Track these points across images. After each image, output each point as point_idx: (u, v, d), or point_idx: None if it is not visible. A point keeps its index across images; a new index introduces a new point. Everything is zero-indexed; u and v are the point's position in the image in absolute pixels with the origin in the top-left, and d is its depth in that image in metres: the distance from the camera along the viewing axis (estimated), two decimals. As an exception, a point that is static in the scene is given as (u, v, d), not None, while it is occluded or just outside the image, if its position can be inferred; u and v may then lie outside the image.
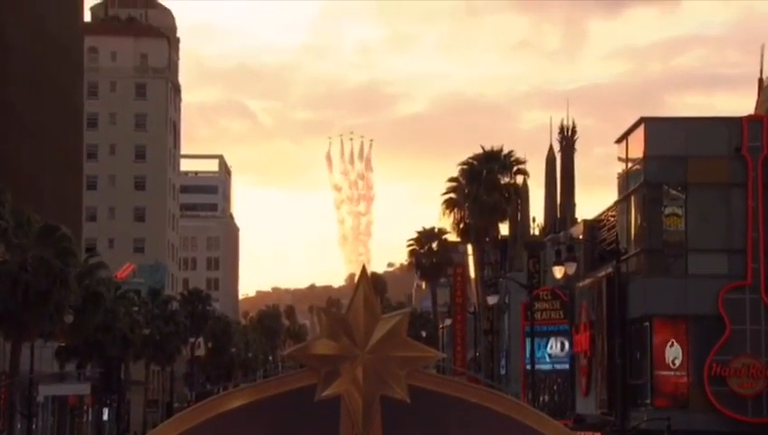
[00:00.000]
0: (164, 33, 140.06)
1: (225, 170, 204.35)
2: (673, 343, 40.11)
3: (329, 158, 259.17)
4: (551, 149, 63.30)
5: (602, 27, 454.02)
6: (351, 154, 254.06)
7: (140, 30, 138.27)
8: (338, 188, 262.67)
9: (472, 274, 75.51)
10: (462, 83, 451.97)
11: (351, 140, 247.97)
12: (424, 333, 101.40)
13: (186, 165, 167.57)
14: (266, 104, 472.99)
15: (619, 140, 43.95)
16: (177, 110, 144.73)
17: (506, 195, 66.38)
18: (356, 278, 8.67)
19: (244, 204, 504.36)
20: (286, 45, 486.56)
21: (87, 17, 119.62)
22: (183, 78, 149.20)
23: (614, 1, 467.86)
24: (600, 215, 48.78)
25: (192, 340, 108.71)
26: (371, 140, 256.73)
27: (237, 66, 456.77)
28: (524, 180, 68.56)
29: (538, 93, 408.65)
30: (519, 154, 68.26)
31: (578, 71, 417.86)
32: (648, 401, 40.43)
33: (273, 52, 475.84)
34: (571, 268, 41.83)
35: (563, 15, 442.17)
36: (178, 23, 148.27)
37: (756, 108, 48.27)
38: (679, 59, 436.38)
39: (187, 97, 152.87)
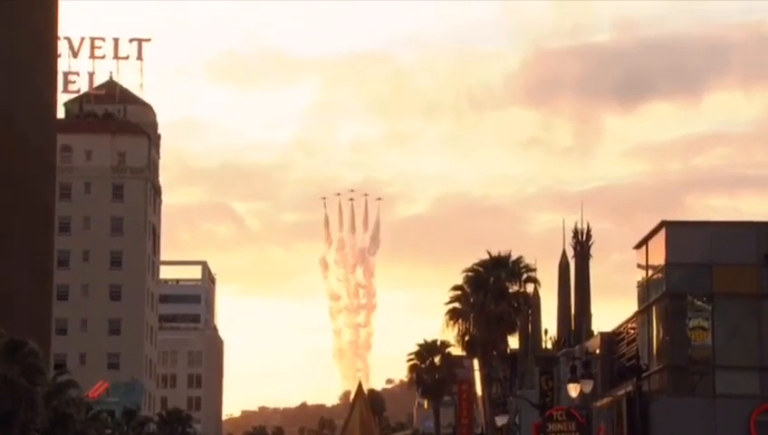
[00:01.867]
0: (144, 129, 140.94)
1: (208, 278, 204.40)
2: (701, 469, 39.72)
3: (324, 263, 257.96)
4: (563, 254, 63.34)
5: (617, 124, 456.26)
6: (352, 264, 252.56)
7: (118, 126, 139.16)
8: (335, 297, 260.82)
9: (479, 391, 75.24)
10: (466, 183, 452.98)
11: (352, 200, 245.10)
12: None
13: (166, 272, 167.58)
14: (253, 206, 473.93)
15: (638, 246, 43.99)
16: (157, 212, 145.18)
17: (515, 305, 66.30)
18: (352, 396, 8.59)
19: (229, 314, 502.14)
20: (275, 142, 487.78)
21: (61, 113, 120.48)
22: (164, 178, 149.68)
23: (630, 96, 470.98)
24: (619, 327, 48.64)
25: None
26: (379, 199, 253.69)
27: (222, 165, 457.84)
28: (535, 289, 68.51)
29: (549, 194, 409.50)
30: (529, 260, 68.43)
31: (592, 170, 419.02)
32: None
33: (260, 149, 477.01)
34: (588, 386, 41.58)
35: (575, 111, 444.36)
36: (159, 118, 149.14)
37: (787, 211, 48.42)
38: (701, 158, 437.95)
39: (167, 198, 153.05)
